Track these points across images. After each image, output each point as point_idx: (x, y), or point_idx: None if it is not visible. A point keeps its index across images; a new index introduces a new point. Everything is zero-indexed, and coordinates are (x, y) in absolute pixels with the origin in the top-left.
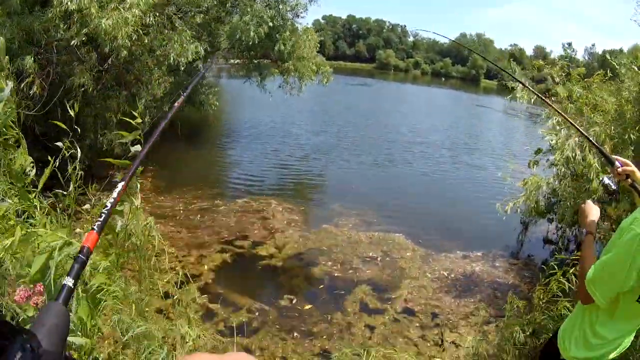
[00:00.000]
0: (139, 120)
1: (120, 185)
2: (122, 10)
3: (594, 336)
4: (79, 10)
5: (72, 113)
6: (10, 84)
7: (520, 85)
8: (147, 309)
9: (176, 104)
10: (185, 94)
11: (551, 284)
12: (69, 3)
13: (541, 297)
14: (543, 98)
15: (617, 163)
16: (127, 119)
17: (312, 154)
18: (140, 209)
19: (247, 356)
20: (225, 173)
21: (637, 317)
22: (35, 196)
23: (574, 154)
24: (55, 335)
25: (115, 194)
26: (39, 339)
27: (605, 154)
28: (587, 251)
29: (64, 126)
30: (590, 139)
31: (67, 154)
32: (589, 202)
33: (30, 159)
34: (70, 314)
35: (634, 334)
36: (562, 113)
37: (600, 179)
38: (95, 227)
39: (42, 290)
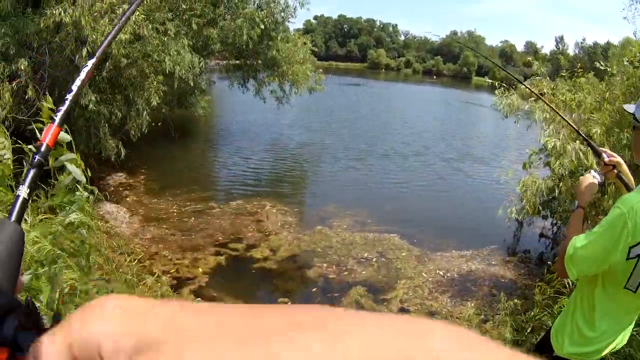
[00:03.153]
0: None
1: (90, 63)
2: (116, 21)
3: (588, 331)
4: (72, 21)
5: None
6: None
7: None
8: None
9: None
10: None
11: (554, 281)
12: (62, 14)
13: (542, 293)
14: (536, 92)
15: (604, 155)
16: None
17: (306, 155)
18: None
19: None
20: (219, 175)
21: (630, 308)
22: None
23: (568, 153)
24: (9, 265)
25: (82, 75)
26: None
27: (593, 146)
28: (574, 224)
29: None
30: (580, 132)
31: None
32: (589, 175)
33: (8, 142)
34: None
35: (630, 329)
36: (554, 108)
37: (586, 172)
38: (55, 118)
39: None
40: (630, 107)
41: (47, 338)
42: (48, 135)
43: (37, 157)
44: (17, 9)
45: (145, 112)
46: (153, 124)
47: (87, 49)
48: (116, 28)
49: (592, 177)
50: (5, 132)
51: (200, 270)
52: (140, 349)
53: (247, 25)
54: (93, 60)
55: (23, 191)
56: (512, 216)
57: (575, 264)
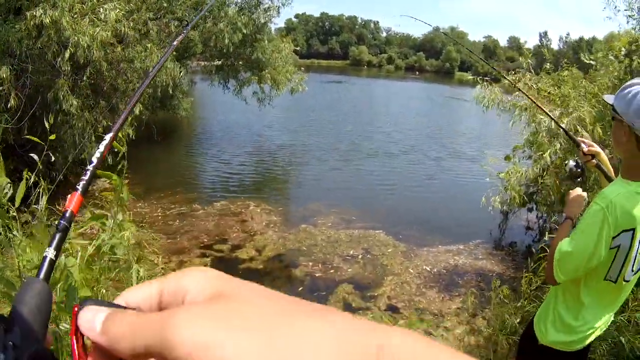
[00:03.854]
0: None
1: (107, 137)
2: (96, 21)
3: (572, 320)
4: (52, 22)
5: (46, 125)
6: None
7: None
8: None
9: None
10: (157, 67)
11: (540, 270)
12: (42, 16)
13: (529, 284)
14: (514, 83)
15: (582, 145)
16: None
17: (289, 154)
18: (127, 221)
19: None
20: (202, 176)
21: (612, 299)
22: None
23: (549, 146)
24: (37, 321)
25: (101, 148)
26: (20, 328)
27: (572, 137)
28: (561, 233)
29: (37, 140)
30: (558, 123)
31: (40, 167)
32: (577, 189)
33: (7, 179)
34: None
35: (610, 315)
36: (533, 99)
37: (566, 162)
38: (78, 187)
39: None
40: (609, 98)
41: (146, 282)
42: (72, 202)
43: (62, 222)
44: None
45: (130, 119)
46: (134, 126)
47: (69, 50)
48: (150, 76)
49: (580, 190)
50: (2, 170)
51: None
52: (217, 295)
53: (229, 29)
54: (111, 134)
55: (50, 252)
56: (496, 206)
57: (562, 268)
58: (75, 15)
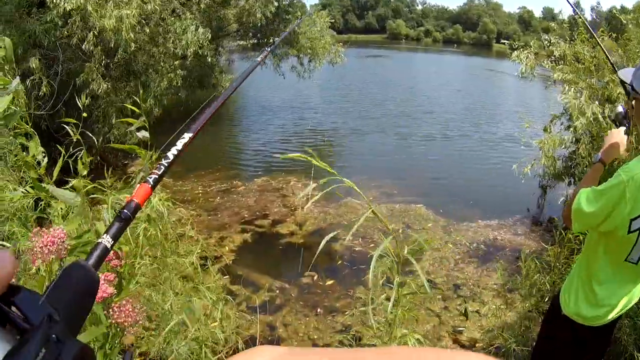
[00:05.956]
0: (140, 107)
1: (187, 136)
2: (121, 4)
3: (590, 294)
4: (76, 9)
5: (79, 104)
6: (17, 79)
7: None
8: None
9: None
10: (238, 84)
11: (566, 237)
12: (65, 4)
13: (556, 257)
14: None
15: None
16: (134, 108)
17: (328, 129)
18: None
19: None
20: (243, 153)
21: (631, 278)
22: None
23: (587, 114)
24: (81, 313)
25: (180, 145)
26: (65, 320)
27: (624, 83)
28: (590, 177)
29: (73, 120)
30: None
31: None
32: (620, 129)
33: (41, 149)
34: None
35: (633, 296)
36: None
37: (615, 105)
38: (149, 180)
39: None
40: (625, 75)
41: None
42: (140, 193)
43: (126, 211)
44: (22, 11)
45: (159, 95)
46: (172, 107)
47: (91, 34)
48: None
49: (623, 132)
50: (37, 143)
51: (227, 248)
52: None
53: (261, 3)
54: (190, 134)
55: (106, 240)
56: (530, 174)
57: (577, 219)
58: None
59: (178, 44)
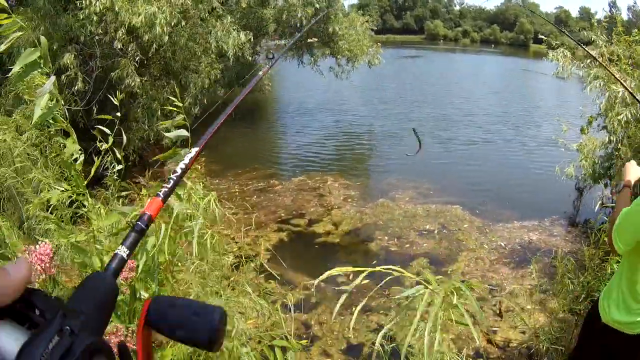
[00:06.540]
0: (178, 105)
1: (193, 151)
2: (152, 1)
3: (631, 300)
4: (108, 7)
5: (115, 101)
6: (52, 78)
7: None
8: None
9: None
10: (246, 90)
11: (601, 238)
12: (96, 3)
13: (590, 259)
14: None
15: None
16: (172, 108)
17: (365, 129)
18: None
19: None
20: (280, 153)
21: None
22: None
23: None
24: (99, 314)
25: (187, 160)
26: (81, 317)
27: None
28: (621, 202)
29: (108, 117)
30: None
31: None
32: (632, 161)
33: (78, 146)
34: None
35: None
36: (610, 70)
37: None
38: (160, 194)
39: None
40: None
41: None
42: (152, 207)
43: (139, 224)
44: (57, 7)
45: (199, 95)
46: (209, 107)
47: (122, 30)
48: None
49: (635, 162)
50: (75, 140)
51: (263, 247)
52: None
53: (301, 4)
54: (197, 149)
55: (122, 251)
56: (570, 177)
57: (620, 235)
58: None
59: (219, 45)
